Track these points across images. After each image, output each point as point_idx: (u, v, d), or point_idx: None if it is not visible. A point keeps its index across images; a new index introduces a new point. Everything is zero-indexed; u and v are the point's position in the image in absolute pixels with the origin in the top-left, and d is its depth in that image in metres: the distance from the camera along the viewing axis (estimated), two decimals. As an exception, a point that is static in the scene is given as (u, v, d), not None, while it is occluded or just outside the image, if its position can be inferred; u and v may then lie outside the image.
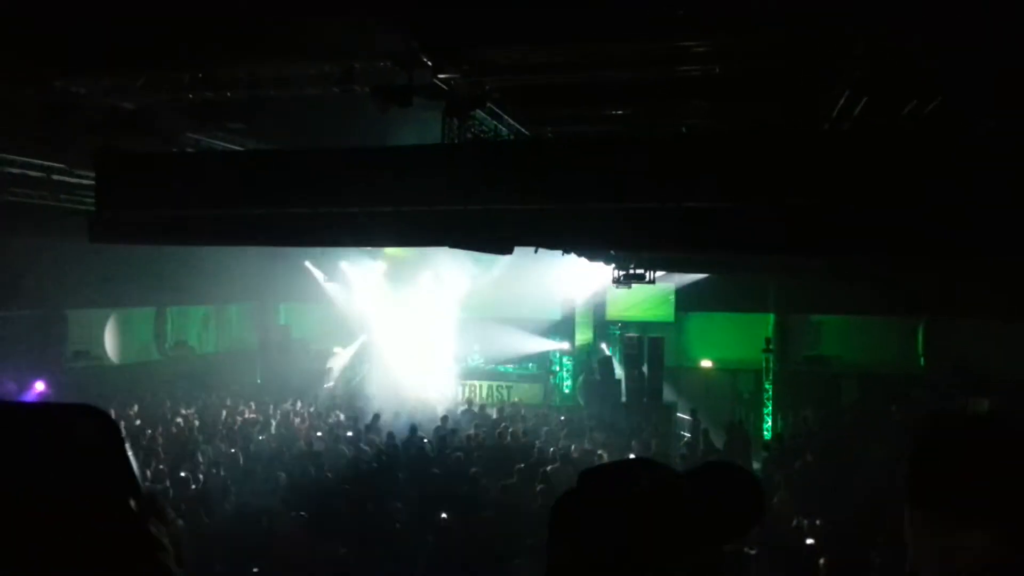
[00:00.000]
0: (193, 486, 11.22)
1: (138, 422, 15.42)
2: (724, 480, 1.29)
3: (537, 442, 14.48)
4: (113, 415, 1.21)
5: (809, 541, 9.27)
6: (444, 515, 9.76)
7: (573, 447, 14.31)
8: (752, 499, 1.27)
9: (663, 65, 6.89)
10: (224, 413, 16.92)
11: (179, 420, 15.79)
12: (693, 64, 6.79)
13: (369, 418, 16.34)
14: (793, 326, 20.80)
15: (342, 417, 17.20)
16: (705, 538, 1.21)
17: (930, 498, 1.41)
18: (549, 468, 11.62)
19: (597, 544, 1.19)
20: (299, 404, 18.19)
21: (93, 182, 10.18)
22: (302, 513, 9.76)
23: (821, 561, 8.45)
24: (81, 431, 1.04)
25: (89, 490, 1.00)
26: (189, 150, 10.15)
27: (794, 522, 9.76)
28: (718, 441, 15.21)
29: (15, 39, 6.93)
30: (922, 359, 19.66)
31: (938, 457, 1.44)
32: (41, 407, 1.08)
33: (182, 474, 11.41)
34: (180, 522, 9.61)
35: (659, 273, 18.65)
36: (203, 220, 9.20)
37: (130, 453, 1.03)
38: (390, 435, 14.44)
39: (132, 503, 1.01)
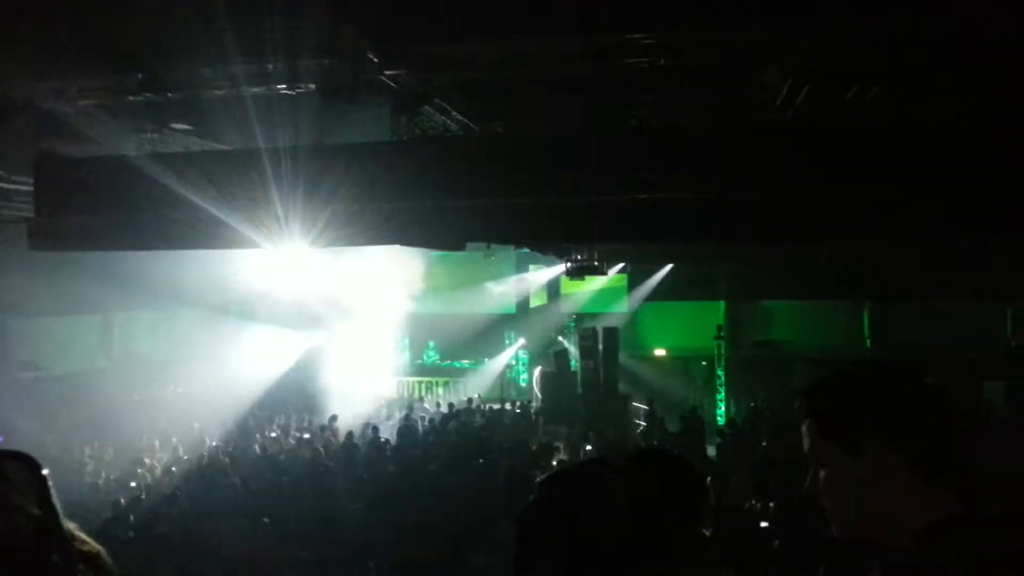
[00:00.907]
0: (143, 495, 11.03)
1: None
2: (667, 471, 1.31)
3: (495, 436, 14.51)
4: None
5: (763, 524, 9.45)
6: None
7: (530, 441, 14.38)
8: (696, 486, 1.30)
9: (609, 58, 6.93)
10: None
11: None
12: (640, 57, 6.84)
13: (325, 419, 16.21)
14: (744, 313, 21.14)
15: (296, 419, 17.02)
16: (661, 530, 1.24)
17: (832, 428, 1.44)
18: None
19: (570, 556, 1.21)
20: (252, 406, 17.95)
21: (31, 188, 9.91)
22: (264, 520, 9.66)
23: (775, 543, 8.63)
24: (7, 476, 1.08)
25: (12, 536, 1.03)
26: (131, 153, 9.93)
27: (747, 505, 9.93)
28: (674, 428, 15.41)
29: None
30: (868, 341, 20.13)
31: (831, 388, 1.50)
32: None
33: (132, 484, 11.21)
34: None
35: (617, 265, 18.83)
36: (146, 224, 9.01)
37: (54, 497, 1.09)
38: (349, 434, 14.34)
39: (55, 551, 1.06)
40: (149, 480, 11.92)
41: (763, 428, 15.32)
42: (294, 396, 20.32)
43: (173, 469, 12.63)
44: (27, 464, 1.14)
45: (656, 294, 21.27)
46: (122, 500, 10.51)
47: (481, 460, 12.78)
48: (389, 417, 18.07)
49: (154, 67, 7.65)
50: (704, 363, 20.54)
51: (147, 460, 12.95)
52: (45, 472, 1.14)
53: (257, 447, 14.20)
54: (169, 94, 8.27)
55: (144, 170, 8.91)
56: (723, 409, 19.42)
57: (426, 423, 16.13)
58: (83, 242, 9.94)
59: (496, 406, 18.72)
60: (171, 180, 8.68)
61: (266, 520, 9.63)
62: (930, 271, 15.92)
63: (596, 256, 16.58)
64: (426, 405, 19.42)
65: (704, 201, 7.49)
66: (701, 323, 20.46)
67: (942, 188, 6.67)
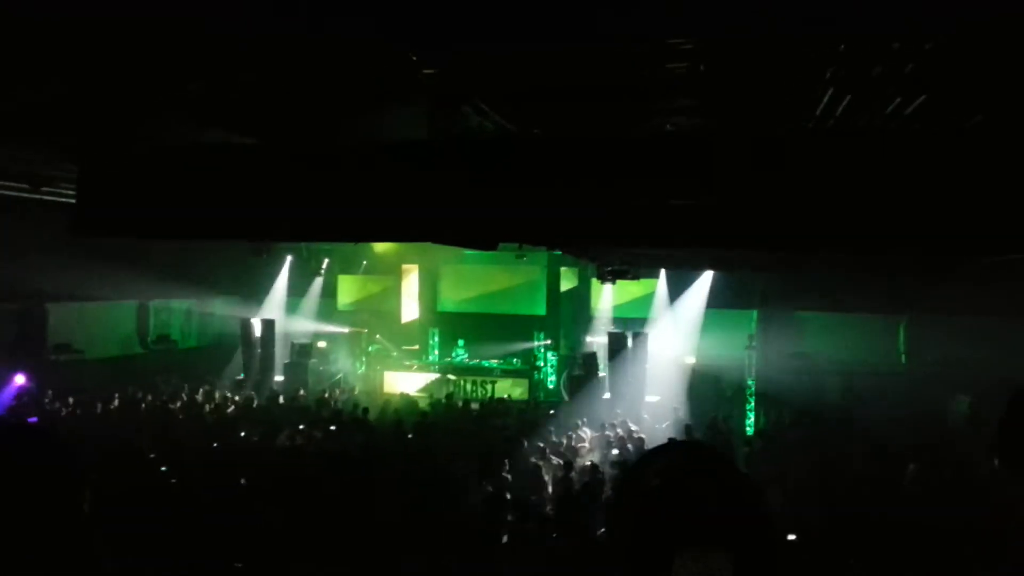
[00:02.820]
0: (173, 480, 11.17)
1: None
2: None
3: (523, 438, 14.50)
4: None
5: (791, 537, 9.34)
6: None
7: (560, 442, 14.36)
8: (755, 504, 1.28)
9: (648, 63, 6.90)
10: (207, 407, 16.84)
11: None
12: (679, 61, 6.80)
13: (354, 413, 16.30)
14: (776, 323, 20.92)
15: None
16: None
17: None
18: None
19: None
20: (281, 399, 18.11)
21: (75, 175, 10.09)
22: (287, 509, 9.74)
23: (803, 557, 8.53)
24: (36, 454, 1.11)
25: (40, 505, 1.07)
26: (173, 145, 10.07)
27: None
28: (701, 437, 15.28)
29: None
30: (903, 356, 19.83)
31: None
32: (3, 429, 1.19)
33: (162, 468, 11.35)
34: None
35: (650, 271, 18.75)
36: (185, 216, 9.14)
37: (79, 471, 1.13)
38: (374, 430, 14.42)
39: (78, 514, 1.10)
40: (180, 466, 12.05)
41: (793, 441, 15.16)
42: (321, 390, 20.49)
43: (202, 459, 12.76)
44: (53, 438, 1.17)
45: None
46: (151, 486, 10.66)
47: (506, 460, 12.77)
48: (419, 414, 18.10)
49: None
50: (734, 372, 20.36)
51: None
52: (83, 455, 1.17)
53: (285, 437, 14.31)
54: (206, 88, 8.36)
55: (186, 161, 9.04)
56: (752, 419, 19.23)
57: (455, 423, 16.16)
58: (123, 230, 10.11)
59: (524, 407, 18.71)
60: (210, 173, 8.81)
61: (288, 510, 9.71)
62: (967, 286, 15.63)
63: (629, 261, 16.52)
64: (456, 403, 19.46)
65: (737, 208, 7.44)
66: (732, 332, 20.28)
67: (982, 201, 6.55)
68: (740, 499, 1.24)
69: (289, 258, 23.85)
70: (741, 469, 1.32)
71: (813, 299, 19.24)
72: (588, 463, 13.21)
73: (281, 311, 23.87)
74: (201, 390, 17.94)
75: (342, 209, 8.34)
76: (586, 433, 15.44)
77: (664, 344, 20.77)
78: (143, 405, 16.41)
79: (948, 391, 17.30)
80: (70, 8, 5.70)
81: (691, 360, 21.56)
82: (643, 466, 1.31)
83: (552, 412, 17.92)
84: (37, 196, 13.24)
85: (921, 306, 18.26)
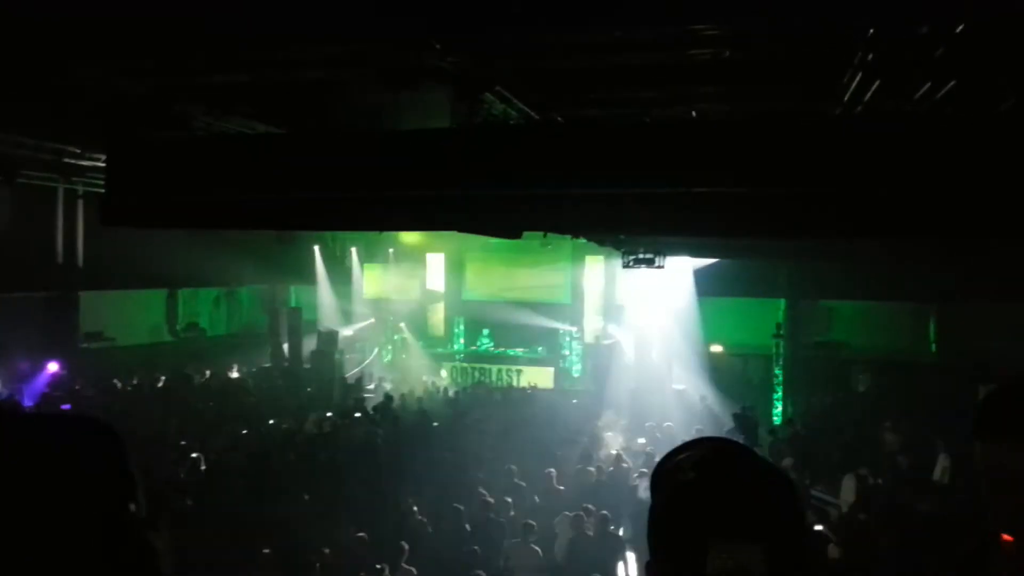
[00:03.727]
0: (202, 467, 11.32)
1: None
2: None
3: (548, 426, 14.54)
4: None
5: (818, 527, 9.29)
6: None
7: (584, 432, 14.39)
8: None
9: (673, 49, 6.83)
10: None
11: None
12: (704, 48, 6.73)
13: (380, 401, 16.42)
14: (804, 311, 20.70)
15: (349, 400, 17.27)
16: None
17: (1000, 429, 1.59)
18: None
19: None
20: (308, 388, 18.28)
21: (104, 164, 10.21)
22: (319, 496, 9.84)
23: (830, 547, 8.48)
24: (86, 446, 1.09)
25: (91, 502, 1.04)
26: (200, 134, 10.16)
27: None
28: (727, 426, 15.22)
29: (27, 21, 6.93)
30: (934, 346, 19.56)
31: (1005, 394, 1.66)
32: (48, 420, 1.14)
33: (193, 455, 11.51)
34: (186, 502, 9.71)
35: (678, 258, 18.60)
36: (214, 204, 9.20)
37: (131, 464, 1.09)
38: (398, 418, 14.51)
39: (131, 510, 1.06)
40: (210, 454, 12.21)
41: (820, 431, 15.07)
42: (349, 379, 20.64)
43: (229, 444, 12.92)
44: (103, 430, 1.15)
45: (715, 290, 20.96)
46: (181, 473, 10.83)
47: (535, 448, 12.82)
48: (443, 403, 18.19)
49: (220, 49, 7.77)
50: (761, 362, 20.22)
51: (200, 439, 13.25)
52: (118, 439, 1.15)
53: (311, 424, 14.45)
54: (238, 77, 8.41)
55: (214, 150, 9.10)
56: (779, 409, 19.10)
57: (479, 411, 16.21)
58: (153, 220, 10.20)
59: (550, 395, 18.74)
60: (240, 161, 8.85)
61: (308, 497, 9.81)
62: (1000, 274, 15.34)
63: (653, 249, 16.43)
64: (481, 391, 19.52)
65: (763, 196, 7.35)
66: (760, 320, 20.11)
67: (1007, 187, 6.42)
68: (773, 492, 1.26)
69: (316, 248, 24.00)
70: (770, 461, 1.36)
71: (842, 287, 18.99)
72: (613, 452, 13.22)
73: (315, 298, 24.11)
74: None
75: (365, 197, 8.35)
76: (612, 422, 15.44)
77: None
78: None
79: (979, 381, 17.03)
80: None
81: (717, 348, 21.44)
82: (677, 459, 1.33)
83: (575, 401, 17.94)
84: (67, 186, 13.44)
85: (952, 294, 17.95)
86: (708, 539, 1.19)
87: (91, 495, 1.06)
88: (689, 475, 1.27)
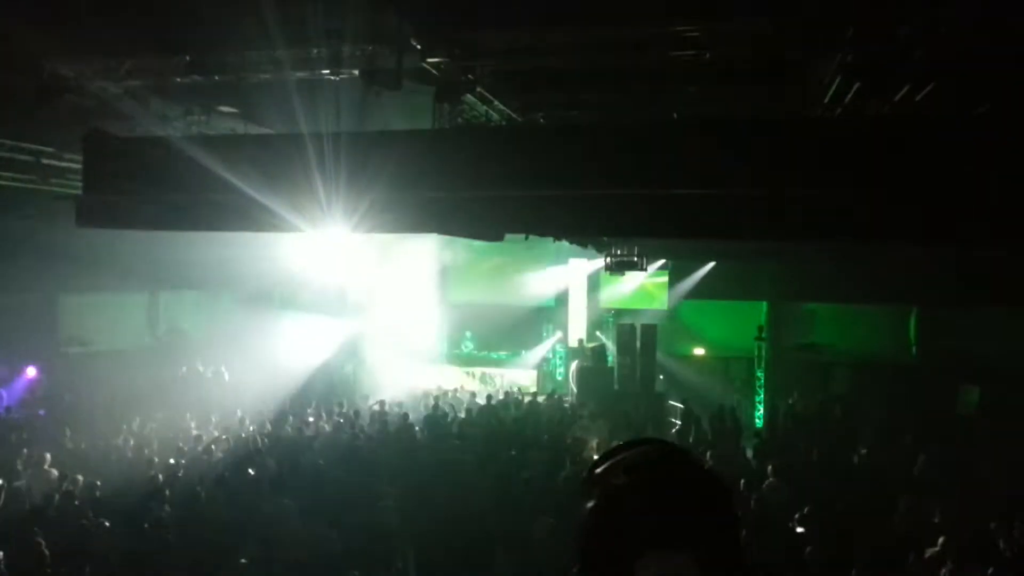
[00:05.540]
0: (180, 473, 11.21)
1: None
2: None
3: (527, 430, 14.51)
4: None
5: (799, 529, 9.31)
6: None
7: (566, 435, 14.35)
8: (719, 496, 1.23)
9: (654, 50, 6.85)
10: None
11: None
12: (684, 49, 6.74)
13: (359, 405, 16.33)
14: (786, 314, 20.81)
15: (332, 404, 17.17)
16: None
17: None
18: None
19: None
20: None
21: (80, 166, 10.11)
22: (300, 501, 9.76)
23: (808, 549, 8.49)
24: None
25: None
26: (177, 134, 10.09)
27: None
28: (709, 428, 15.25)
29: (4, 23, 6.87)
30: (914, 348, 19.69)
31: None
32: None
33: (171, 460, 11.39)
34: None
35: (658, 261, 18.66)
36: (191, 204, 9.13)
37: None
38: (382, 422, 14.43)
39: None
40: (186, 459, 12.07)
41: (801, 432, 15.12)
42: (331, 382, 20.51)
43: (213, 448, 12.79)
44: None
45: (697, 293, 21.04)
46: (160, 476, 10.68)
47: (512, 452, 12.77)
48: (426, 406, 18.10)
49: (201, 50, 7.74)
50: (744, 364, 20.28)
51: (184, 441, 13.12)
52: None
53: (290, 428, 14.36)
54: (216, 77, 8.36)
55: (190, 151, 9.02)
56: (761, 411, 19.16)
57: (458, 414, 16.14)
58: (128, 221, 10.10)
59: (532, 399, 18.68)
60: (216, 162, 8.78)
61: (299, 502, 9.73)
62: (979, 278, 15.46)
63: (636, 251, 16.46)
64: (462, 396, 19.43)
65: (750, 197, 7.36)
66: (742, 323, 20.18)
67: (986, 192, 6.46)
68: (708, 499, 1.18)
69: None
70: (707, 466, 1.27)
71: (823, 290, 19.10)
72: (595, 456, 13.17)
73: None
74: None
75: (343, 200, 8.31)
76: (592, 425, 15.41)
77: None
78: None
79: (958, 382, 17.19)
80: None
81: (700, 351, 21.50)
82: (607, 462, 1.24)
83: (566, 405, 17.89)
84: (45, 188, 13.30)
85: (932, 297, 18.07)
86: (638, 547, 1.12)
87: None
88: (620, 479, 1.19)
